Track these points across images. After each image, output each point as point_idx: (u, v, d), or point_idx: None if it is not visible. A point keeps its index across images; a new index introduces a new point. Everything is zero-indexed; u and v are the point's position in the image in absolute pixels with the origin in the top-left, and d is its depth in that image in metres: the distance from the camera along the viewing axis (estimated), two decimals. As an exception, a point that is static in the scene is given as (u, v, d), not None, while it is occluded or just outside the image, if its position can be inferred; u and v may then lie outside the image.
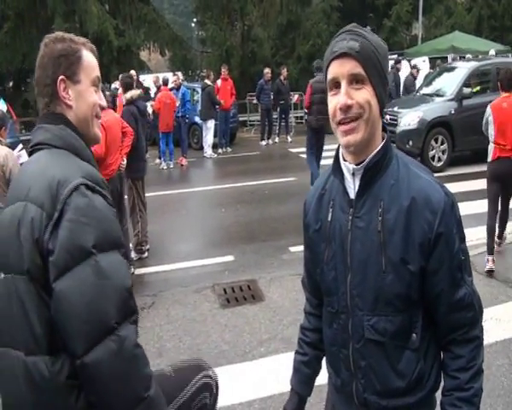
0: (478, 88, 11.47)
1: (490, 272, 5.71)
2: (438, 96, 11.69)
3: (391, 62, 15.71)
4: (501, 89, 5.83)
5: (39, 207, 1.44)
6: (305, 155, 10.53)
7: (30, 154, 1.67)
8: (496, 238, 6.16)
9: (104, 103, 1.74)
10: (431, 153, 11.11)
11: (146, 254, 6.99)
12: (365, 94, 1.48)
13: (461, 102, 11.13)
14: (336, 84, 1.50)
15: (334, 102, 1.50)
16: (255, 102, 17.69)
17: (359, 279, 1.57)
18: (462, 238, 1.56)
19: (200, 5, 23.26)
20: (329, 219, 1.64)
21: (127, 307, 1.51)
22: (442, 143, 11.15)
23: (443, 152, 11.22)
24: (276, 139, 16.50)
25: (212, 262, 6.66)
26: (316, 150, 9.55)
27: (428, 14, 24.24)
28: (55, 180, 1.45)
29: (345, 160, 1.59)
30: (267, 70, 16.10)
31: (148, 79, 16.76)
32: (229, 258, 6.75)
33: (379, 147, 1.55)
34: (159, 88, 13.63)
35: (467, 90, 11.17)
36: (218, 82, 15.00)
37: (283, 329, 4.76)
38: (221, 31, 20.92)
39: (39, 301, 1.45)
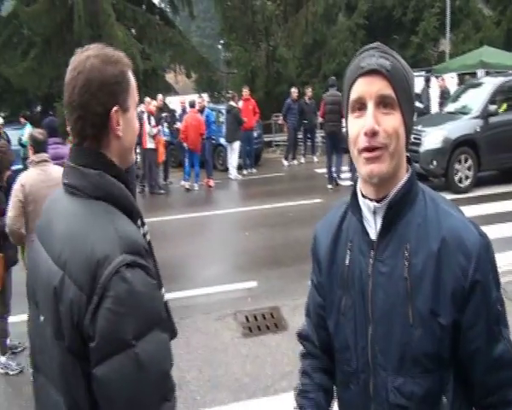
0: (505, 105, 11.10)
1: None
2: (463, 113, 11.31)
3: (421, 80, 15.61)
4: None
5: (79, 290, 1.33)
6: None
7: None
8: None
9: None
10: (456, 173, 10.71)
11: None
12: (394, 121, 1.29)
13: (487, 119, 10.73)
14: (361, 106, 1.31)
15: (358, 125, 1.31)
16: (280, 122, 17.61)
17: (382, 333, 1.36)
18: (498, 285, 1.35)
19: (225, 27, 23.41)
20: (347, 262, 1.44)
21: (166, 389, 1.42)
22: (467, 163, 10.75)
23: (468, 171, 10.82)
24: (302, 160, 16.34)
25: (235, 288, 6.53)
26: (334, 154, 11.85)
27: (456, 30, 23.92)
28: (94, 259, 1.33)
29: (363, 196, 1.40)
30: (294, 89, 16.03)
31: (174, 102, 16.86)
32: (253, 284, 6.60)
33: (403, 180, 1.36)
34: (184, 110, 13.68)
35: (493, 107, 10.78)
36: (240, 103, 14.97)
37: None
38: (246, 52, 20.97)
39: (77, 369, 1.37)
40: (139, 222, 1.57)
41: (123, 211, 1.46)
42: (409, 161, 1.41)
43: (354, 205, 1.44)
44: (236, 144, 14.40)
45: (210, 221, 10.08)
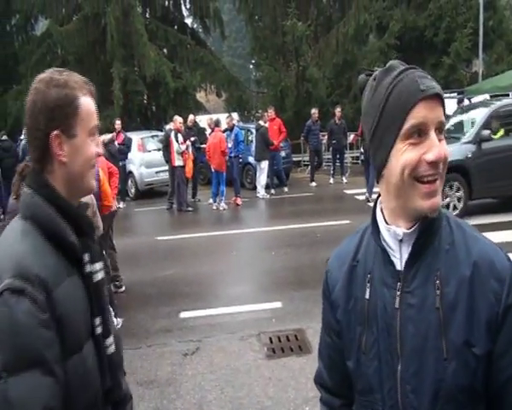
0: (502, 131, 10.59)
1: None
2: (455, 138, 10.56)
3: (453, 102, 15.43)
4: None
5: None
6: (360, 197, 10.34)
7: None
8: None
9: (101, 151, 1.55)
10: (445, 201, 10.04)
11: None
12: (446, 147, 1.23)
13: (480, 145, 10.23)
14: (420, 132, 1.20)
15: (416, 153, 1.20)
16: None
17: (414, 370, 1.25)
18: None
19: (255, 47, 23.63)
20: (367, 296, 1.33)
21: None
22: (458, 190, 10.21)
23: (458, 200, 10.25)
24: (331, 180, 16.22)
25: (260, 308, 6.46)
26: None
27: (489, 51, 23.66)
28: None
29: (387, 223, 1.31)
30: (314, 111, 16.02)
31: (204, 120, 17.01)
32: (277, 304, 6.52)
33: None
34: (213, 129, 13.79)
35: (486, 132, 10.22)
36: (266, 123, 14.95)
37: None
38: (276, 71, 21.08)
39: None
40: (86, 257, 1.47)
41: (48, 236, 1.39)
42: None
43: (376, 233, 1.34)
44: (265, 163, 14.43)
45: (236, 240, 10.06)
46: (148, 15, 22.83)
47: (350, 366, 1.40)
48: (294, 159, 18.16)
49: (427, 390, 1.24)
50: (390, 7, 23.33)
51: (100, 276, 1.51)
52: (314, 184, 15.97)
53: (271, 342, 5.49)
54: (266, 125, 14.75)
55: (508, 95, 16.13)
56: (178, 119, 13.34)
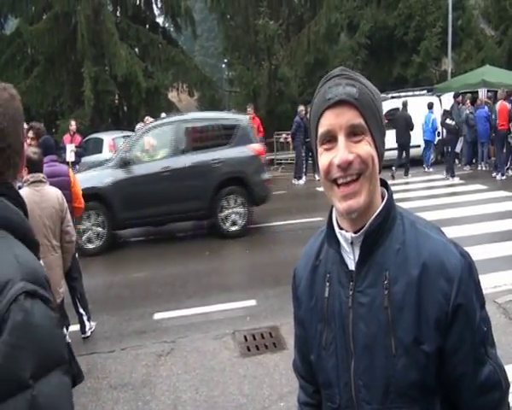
0: (162, 152, 9.79)
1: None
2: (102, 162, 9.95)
3: (424, 99, 15.60)
4: None
5: None
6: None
7: None
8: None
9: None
10: (86, 234, 9.22)
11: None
12: (367, 147, 1.25)
13: (125, 168, 9.42)
14: (331, 138, 1.26)
15: (328, 157, 1.26)
16: (282, 140, 17.60)
17: (365, 367, 1.30)
18: (482, 304, 1.29)
19: (227, 46, 23.64)
20: (326, 295, 1.38)
21: None
22: (96, 220, 9.29)
23: (99, 231, 9.33)
24: (304, 178, 16.31)
25: (234, 307, 6.45)
26: None
27: (458, 49, 24.06)
28: None
29: (340, 226, 1.35)
30: (302, 108, 15.91)
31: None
32: (252, 302, 6.52)
33: (380, 207, 1.31)
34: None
35: (129, 155, 9.48)
36: (244, 121, 14.96)
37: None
38: (248, 70, 21.11)
39: None
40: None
41: (20, 238, 1.38)
42: (385, 185, 1.37)
43: (331, 236, 1.38)
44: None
45: (210, 239, 10.02)
46: (119, 14, 22.66)
47: (312, 360, 1.44)
48: (267, 157, 18.14)
49: (378, 386, 1.29)
50: (361, 6, 23.63)
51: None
52: (297, 182, 15.97)
53: (246, 340, 5.48)
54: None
55: (476, 92, 16.45)
56: (150, 119, 13.24)
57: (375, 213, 1.30)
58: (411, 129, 15.05)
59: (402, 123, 15.22)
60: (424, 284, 1.24)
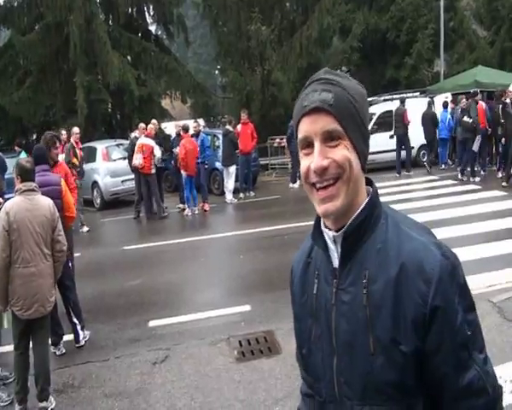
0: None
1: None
2: None
3: (417, 101, 15.62)
4: None
5: None
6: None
7: None
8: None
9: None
10: None
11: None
12: (343, 151, 1.26)
13: None
14: (309, 144, 1.29)
15: (306, 162, 1.30)
16: (276, 145, 17.58)
17: (346, 363, 1.33)
18: (469, 307, 1.27)
19: (220, 52, 23.63)
20: (315, 291, 1.41)
21: None
22: None
23: None
24: (298, 182, 16.28)
25: (229, 312, 6.41)
26: None
27: (450, 51, 24.16)
28: None
29: (326, 225, 1.38)
30: None
31: (169, 127, 16.88)
32: (246, 308, 6.49)
33: (362, 206, 1.32)
34: (178, 135, 13.62)
35: None
36: (238, 127, 15.00)
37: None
38: (241, 76, 21.11)
39: None
40: None
41: None
42: (370, 183, 1.38)
43: (317, 234, 1.41)
44: (233, 168, 14.40)
45: (204, 245, 9.99)
46: (111, 23, 22.59)
47: (304, 353, 1.47)
48: (262, 162, 18.15)
49: (357, 382, 1.31)
50: (353, 10, 23.67)
51: None
52: (292, 185, 15.90)
53: (241, 345, 5.46)
54: (238, 128, 14.81)
55: (469, 92, 16.49)
56: (143, 125, 13.23)
57: (357, 212, 1.31)
58: (436, 126, 15.83)
59: (428, 121, 15.72)
60: (402, 284, 1.24)
